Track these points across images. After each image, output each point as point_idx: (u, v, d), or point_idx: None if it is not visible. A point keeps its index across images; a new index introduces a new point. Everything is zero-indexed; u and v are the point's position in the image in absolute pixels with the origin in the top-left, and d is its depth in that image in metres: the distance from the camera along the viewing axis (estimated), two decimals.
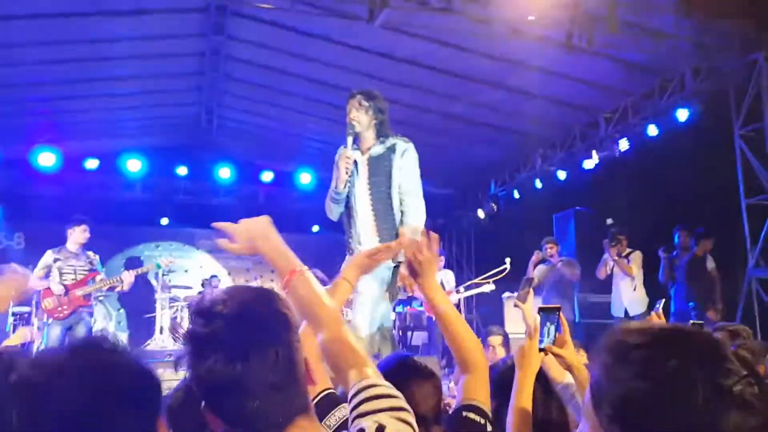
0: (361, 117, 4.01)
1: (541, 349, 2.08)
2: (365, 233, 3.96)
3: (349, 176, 3.92)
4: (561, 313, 2.18)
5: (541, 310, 2.18)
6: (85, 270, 6.90)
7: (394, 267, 3.88)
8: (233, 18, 7.89)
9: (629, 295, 7.55)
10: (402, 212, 3.95)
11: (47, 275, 6.77)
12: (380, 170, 3.97)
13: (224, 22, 7.91)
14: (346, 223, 4.02)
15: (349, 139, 3.97)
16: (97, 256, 7.16)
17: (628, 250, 7.67)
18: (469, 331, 1.97)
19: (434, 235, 2.00)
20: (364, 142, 4.03)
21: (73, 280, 6.79)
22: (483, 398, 1.88)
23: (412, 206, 3.95)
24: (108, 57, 8.37)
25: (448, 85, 8.69)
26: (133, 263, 12.02)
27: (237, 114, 11.10)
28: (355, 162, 3.99)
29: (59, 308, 6.71)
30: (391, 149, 4.02)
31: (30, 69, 8.34)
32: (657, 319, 3.23)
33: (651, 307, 7.42)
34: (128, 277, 6.92)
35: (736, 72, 7.41)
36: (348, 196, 3.99)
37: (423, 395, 1.87)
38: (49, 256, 6.84)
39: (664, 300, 3.59)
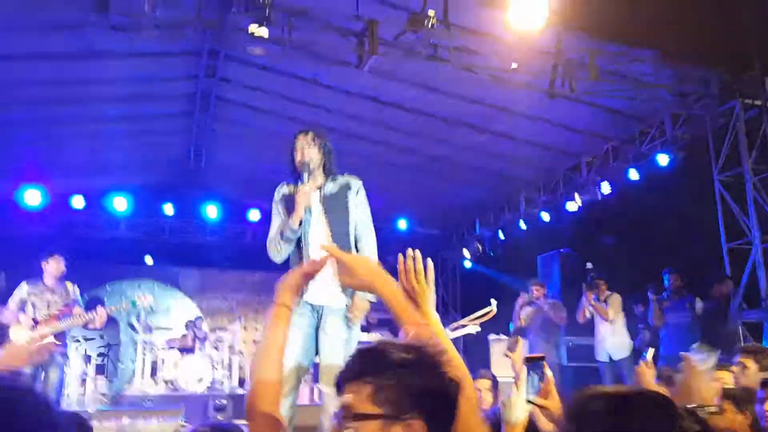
0: (313, 154, 3.96)
1: (528, 401, 2.09)
2: (324, 271, 3.90)
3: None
4: (545, 362, 2.18)
5: (527, 360, 2.19)
6: (59, 304, 6.47)
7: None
8: (225, 61, 8.03)
9: (610, 340, 7.61)
10: (358, 249, 3.91)
11: (22, 308, 6.38)
12: (337, 207, 3.93)
13: (216, 65, 8.05)
14: (296, 262, 3.84)
15: (305, 175, 3.88)
16: (77, 287, 6.74)
17: (607, 293, 7.76)
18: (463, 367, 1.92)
19: (430, 263, 1.94)
20: (313, 179, 3.95)
21: (45, 314, 6.38)
22: None
23: (370, 243, 3.95)
24: (98, 98, 8.45)
25: (434, 128, 8.86)
26: (112, 298, 11.96)
27: (225, 153, 11.18)
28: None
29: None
30: (346, 186, 4.01)
31: (19, 107, 8.39)
32: (646, 368, 3.20)
33: (634, 350, 7.49)
34: (101, 313, 6.46)
35: (714, 119, 7.64)
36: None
37: None
38: (23, 288, 6.48)
39: (653, 349, 3.59)
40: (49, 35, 6.71)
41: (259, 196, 12.55)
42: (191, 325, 11.03)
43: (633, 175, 8.58)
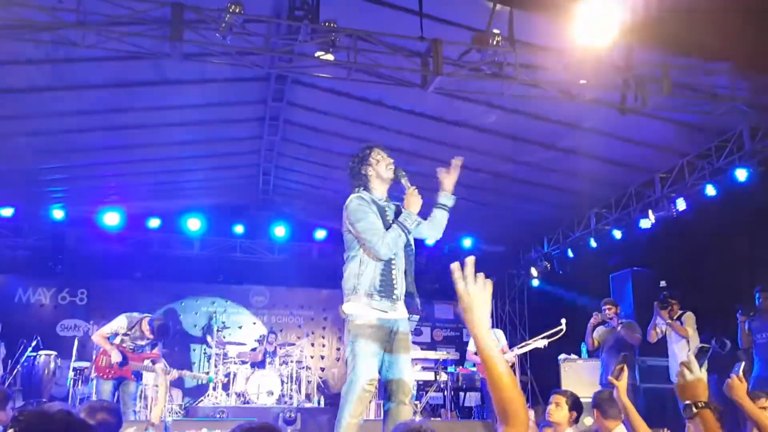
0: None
1: None
2: (401, 280, 3.95)
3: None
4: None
5: (699, 350, 2.24)
6: (145, 347, 7.18)
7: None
8: (292, 85, 8.21)
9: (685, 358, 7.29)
10: None
11: (113, 337, 7.08)
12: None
13: (284, 89, 8.23)
14: (383, 269, 3.87)
15: (405, 182, 4.08)
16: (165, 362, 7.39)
17: (680, 312, 7.45)
18: (513, 380, 1.84)
19: (469, 259, 1.86)
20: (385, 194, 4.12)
21: (131, 350, 7.08)
22: None
23: None
24: (171, 123, 8.79)
25: (500, 145, 8.78)
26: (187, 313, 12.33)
27: (293, 175, 11.40)
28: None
29: (108, 369, 6.97)
30: (398, 208, 4.12)
31: (98, 134, 8.82)
32: (738, 382, 3.05)
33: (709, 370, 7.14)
34: (173, 374, 7.15)
35: None
36: None
37: None
38: (123, 322, 7.11)
39: (743, 363, 3.43)
40: (125, 64, 7.03)
41: (325, 216, 12.73)
42: (262, 340, 11.27)
43: (710, 190, 8.24)
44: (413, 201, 3.94)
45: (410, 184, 4.03)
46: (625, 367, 3.28)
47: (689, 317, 7.41)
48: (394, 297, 3.85)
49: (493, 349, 1.85)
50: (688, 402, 2.09)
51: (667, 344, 7.56)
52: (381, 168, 4.08)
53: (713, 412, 2.13)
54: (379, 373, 3.84)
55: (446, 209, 4.19)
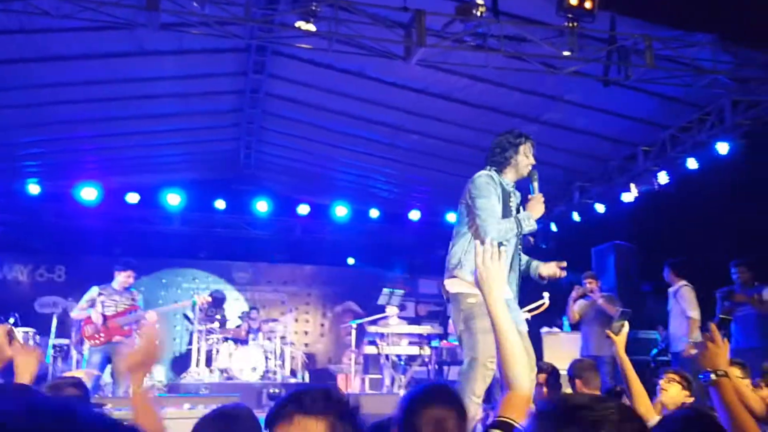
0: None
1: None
2: (508, 277, 3.95)
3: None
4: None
5: (720, 320, 2.29)
6: (126, 304, 7.26)
7: None
8: (273, 57, 8.07)
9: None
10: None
11: (91, 307, 7.19)
12: None
13: (264, 60, 8.09)
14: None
15: (536, 184, 4.05)
16: (141, 296, 7.55)
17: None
18: (523, 354, 1.99)
19: (488, 240, 2.03)
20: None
21: (113, 311, 7.19)
22: (518, 417, 1.85)
23: None
24: (150, 95, 8.63)
25: (483, 119, 8.73)
26: (169, 290, 12.26)
27: (275, 149, 11.28)
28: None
29: (96, 335, 7.10)
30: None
31: (74, 107, 8.63)
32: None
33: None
34: (151, 317, 7.24)
35: None
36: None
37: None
38: (94, 291, 7.27)
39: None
40: (101, 35, 6.86)
41: (308, 191, 12.65)
42: (245, 316, 11.23)
43: (691, 164, 8.27)
44: (536, 207, 3.94)
45: (539, 191, 4.02)
46: (626, 323, 3.30)
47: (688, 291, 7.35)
48: None
49: (507, 321, 1.98)
50: (709, 370, 2.15)
51: (669, 317, 7.51)
52: (522, 163, 4.06)
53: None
54: None
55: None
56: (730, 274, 7.19)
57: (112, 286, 7.29)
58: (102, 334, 7.08)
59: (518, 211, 3.99)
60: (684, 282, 7.19)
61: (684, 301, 7.05)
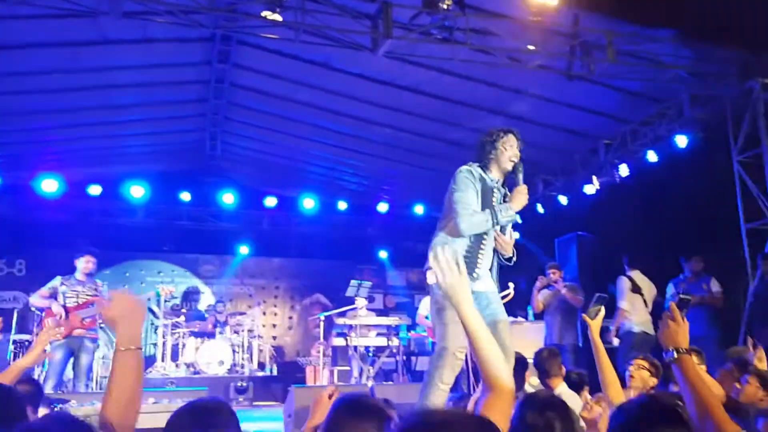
0: (519, 156, 4.07)
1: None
2: (486, 262, 3.99)
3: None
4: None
5: (680, 300, 2.37)
6: (87, 295, 7.03)
7: None
8: (238, 46, 8.01)
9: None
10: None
11: (52, 297, 6.95)
12: None
13: (229, 50, 8.03)
14: (469, 247, 3.90)
15: (519, 176, 4.01)
16: (105, 285, 7.31)
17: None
18: (497, 351, 1.97)
19: (441, 252, 2.02)
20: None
21: (75, 303, 6.96)
22: (502, 419, 1.85)
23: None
24: (113, 85, 8.48)
25: (450, 112, 8.80)
26: (132, 283, 12.10)
27: (241, 140, 11.20)
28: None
29: (56, 328, 6.75)
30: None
31: (35, 97, 8.45)
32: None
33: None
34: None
35: (733, 99, 7.52)
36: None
37: None
38: (57, 281, 7.05)
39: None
40: (64, 24, 6.73)
41: (276, 183, 12.59)
42: (211, 310, 11.16)
43: (651, 157, 8.48)
44: (518, 198, 3.93)
45: (523, 182, 3.99)
46: (602, 308, 3.36)
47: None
48: (474, 276, 3.87)
49: (480, 324, 1.97)
50: (671, 348, 2.20)
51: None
52: (504, 157, 4.04)
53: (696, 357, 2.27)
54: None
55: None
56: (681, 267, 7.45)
57: (75, 277, 7.08)
58: (62, 328, 6.83)
59: None
60: (629, 273, 7.41)
61: (618, 290, 7.30)
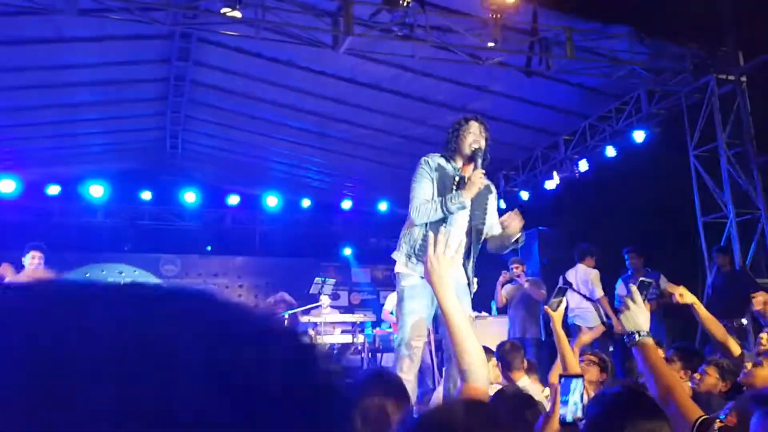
0: (482, 144, 3.95)
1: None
2: (457, 251, 3.94)
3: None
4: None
5: (640, 282, 2.35)
6: None
7: None
8: (198, 44, 7.92)
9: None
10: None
11: None
12: (479, 205, 3.97)
13: (189, 48, 7.93)
14: (426, 236, 3.79)
15: (479, 161, 3.87)
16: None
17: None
18: (477, 345, 1.99)
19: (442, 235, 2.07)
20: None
21: None
22: None
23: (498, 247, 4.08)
24: (69, 83, 8.31)
25: (411, 108, 8.83)
26: None
27: (202, 138, 11.07)
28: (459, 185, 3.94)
29: None
30: (488, 189, 4.03)
31: None
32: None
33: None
34: None
35: (689, 94, 7.70)
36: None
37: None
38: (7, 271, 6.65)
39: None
40: (18, 21, 6.57)
41: (238, 181, 12.49)
42: None
43: (610, 152, 8.64)
44: (470, 185, 3.82)
45: (482, 167, 3.87)
46: (564, 299, 3.40)
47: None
48: None
49: (458, 312, 1.99)
50: (630, 331, 2.22)
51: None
52: (464, 144, 3.95)
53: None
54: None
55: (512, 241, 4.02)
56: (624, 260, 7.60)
57: (25, 275, 6.68)
58: None
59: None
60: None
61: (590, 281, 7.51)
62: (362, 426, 1.74)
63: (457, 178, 3.98)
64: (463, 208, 3.87)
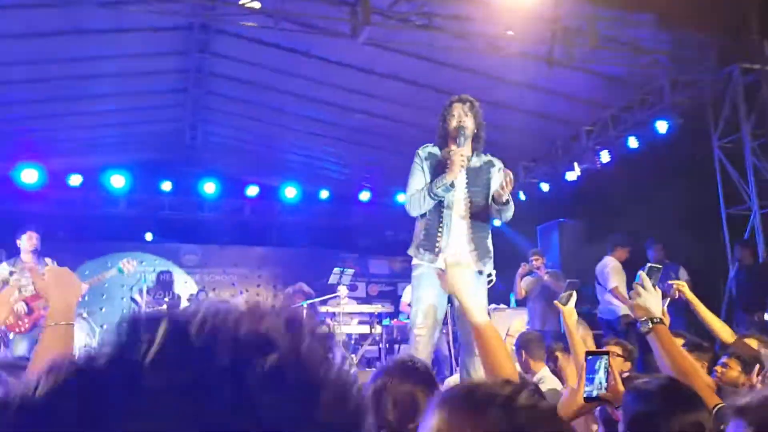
0: (468, 123, 3.91)
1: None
2: (457, 240, 3.89)
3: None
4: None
5: (650, 269, 2.29)
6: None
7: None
8: (217, 35, 7.92)
9: None
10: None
11: (3, 287, 6.18)
12: (479, 182, 3.94)
13: (208, 39, 7.94)
14: (426, 224, 3.88)
15: (462, 140, 3.82)
16: (55, 262, 6.41)
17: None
18: (502, 344, 2.02)
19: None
20: (466, 147, 3.95)
21: (32, 291, 6.23)
22: None
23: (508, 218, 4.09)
24: (90, 75, 8.37)
25: (429, 99, 8.74)
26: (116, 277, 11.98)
27: (221, 129, 11.11)
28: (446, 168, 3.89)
29: (19, 322, 6.33)
30: (490, 163, 4.03)
31: (12, 87, 8.32)
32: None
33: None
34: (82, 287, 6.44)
35: (713, 84, 7.55)
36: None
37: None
38: (3, 269, 6.42)
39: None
40: (38, 14, 6.61)
41: (256, 172, 12.51)
42: (194, 299, 11.10)
43: (632, 142, 8.51)
44: (450, 165, 3.78)
45: (462, 146, 3.83)
46: (574, 293, 3.35)
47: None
48: (435, 250, 3.84)
49: (482, 318, 2.04)
50: (644, 318, 2.16)
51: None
52: (450, 127, 3.92)
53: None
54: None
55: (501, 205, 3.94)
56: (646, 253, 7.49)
57: (22, 259, 6.51)
58: (26, 321, 6.34)
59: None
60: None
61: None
62: (393, 412, 1.76)
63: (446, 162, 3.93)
64: (450, 189, 3.82)
